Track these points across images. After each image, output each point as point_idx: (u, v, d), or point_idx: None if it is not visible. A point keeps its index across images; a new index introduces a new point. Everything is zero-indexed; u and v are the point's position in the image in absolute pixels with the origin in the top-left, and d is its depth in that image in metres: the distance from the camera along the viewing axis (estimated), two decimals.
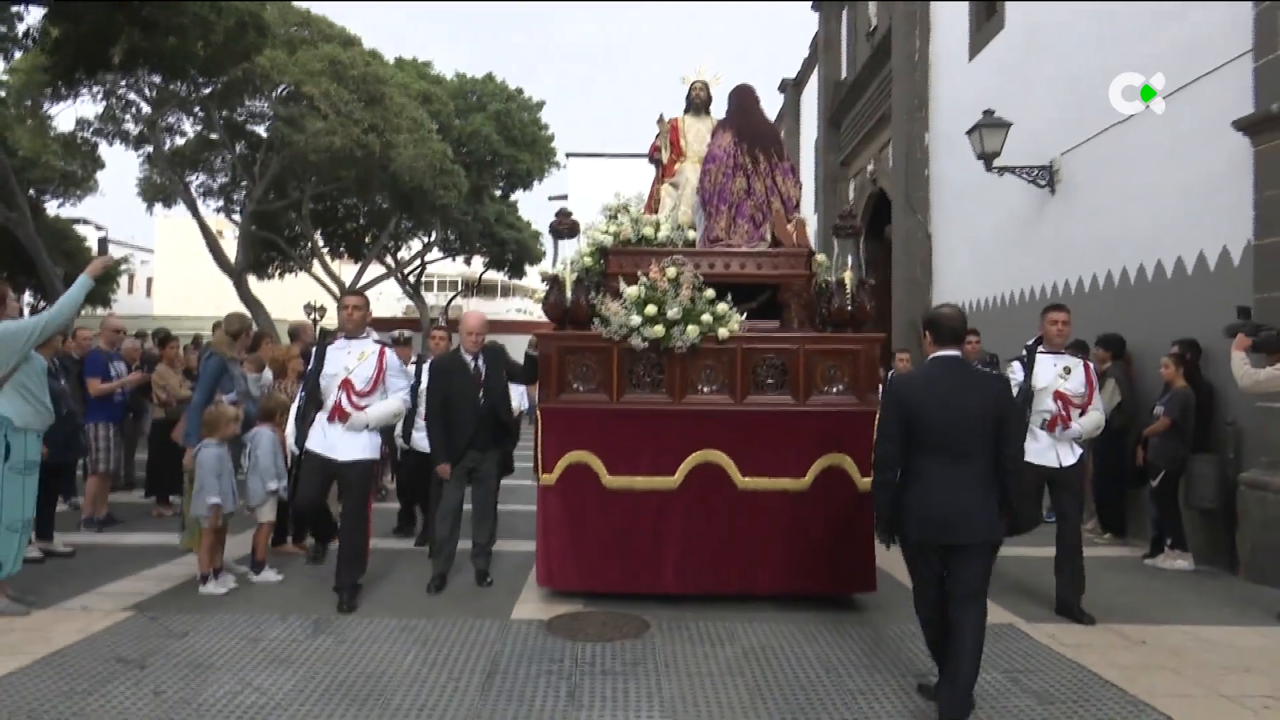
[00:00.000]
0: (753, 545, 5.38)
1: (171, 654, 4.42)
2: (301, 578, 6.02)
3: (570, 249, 5.95)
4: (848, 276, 5.68)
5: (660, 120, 6.92)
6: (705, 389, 5.49)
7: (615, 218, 6.16)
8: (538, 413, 5.54)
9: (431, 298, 45.53)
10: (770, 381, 5.50)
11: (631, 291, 5.43)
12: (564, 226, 5.82)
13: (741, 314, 5.61)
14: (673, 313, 5.30)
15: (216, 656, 4.40)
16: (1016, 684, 4.21)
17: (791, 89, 25.98)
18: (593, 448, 5.39)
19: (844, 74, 20.10)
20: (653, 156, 6.98)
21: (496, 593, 5.75)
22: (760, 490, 5.37)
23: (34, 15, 14.30)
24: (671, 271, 5.44)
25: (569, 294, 5.59)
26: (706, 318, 5.34)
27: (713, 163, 6.23)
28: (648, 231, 6.05)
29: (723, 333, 5.37)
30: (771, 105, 27.36)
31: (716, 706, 3.92)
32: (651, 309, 5.32)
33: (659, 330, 5.29)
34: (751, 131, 6.29)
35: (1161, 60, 7.73)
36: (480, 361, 5.87)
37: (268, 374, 7.46)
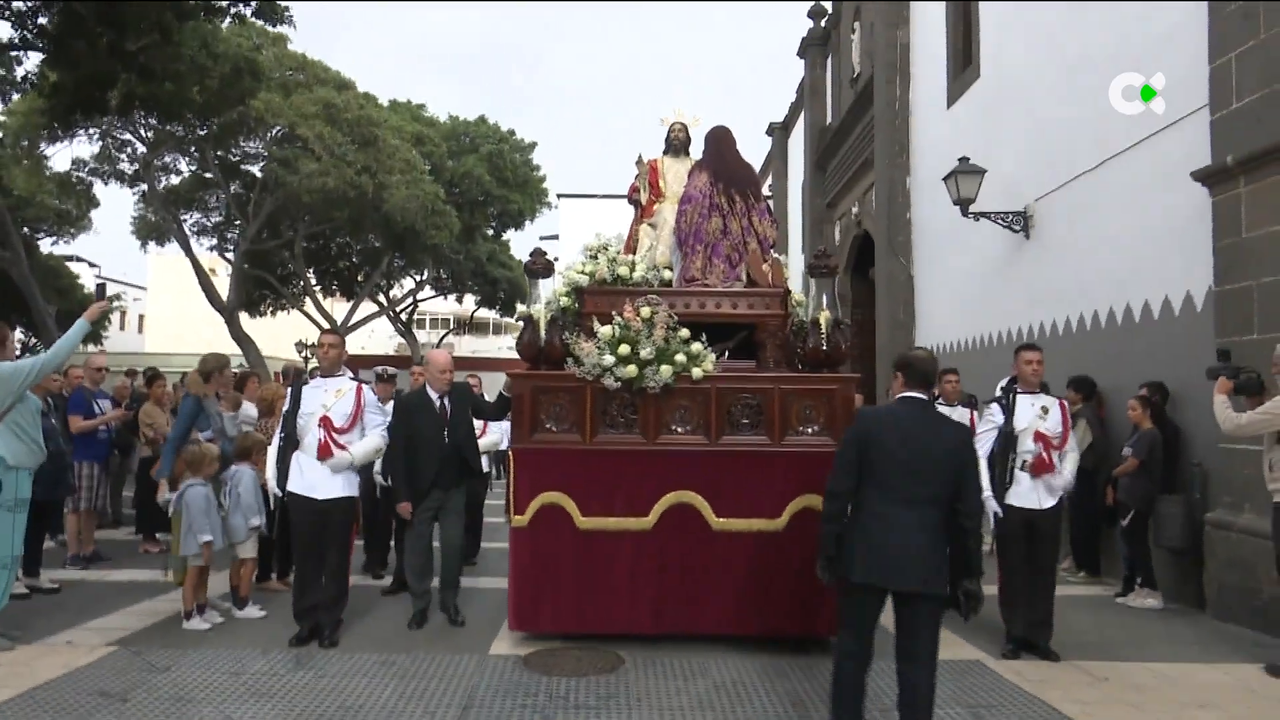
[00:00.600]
0: (728, 586, 5.34)
1: (153, 688, 4.51)
2: (285, 613, 6.08)
3: (548, 288, 6.02)
4: (823, 316, 5.67)
5: (639, 161, 6.94)
6: (679, 429, 5.48)
7: (595, 258, 6.24)
8: (510, 453, 5.53)
9: (424, 335, 45.73)
10: (745, 422, 5.48)
11: (605, 331, 5.44)
12: (539, 266, 5.85)
13: (719, 354, 5.65)
14: (645, 352, 5.30)
15: (198, 690, 4.49)
16: (979, 719, 4.32)
17: (779, 133, 26.50)
18: (566, 488, 5.37)
19: (829, 119, 20.54)
20: (631, 197, 7.01)
21: (475, 629, 5.82)
22: (735, 531, 5.35)
23: (32, 59, 14.66)
24: (645, 311, 5.46)
25: (543, 334, 5.61)
26: (680, 357, 5.35)
27: (689, 203, 6.28)
28: (623, 271, 6.09)
29: (697, 372, 5.37)
30: (760, 148, 27.92)
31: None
32: (625, 349, 5.32)
33: (632, 370, 5.29)
34: (728, 173, 6.35)
35: (1122, 112, 8.03)
36: (446, 400, 5.94)
37: (248, 409, 7.55)
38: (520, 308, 5.80)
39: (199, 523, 5.65)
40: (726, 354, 6.04)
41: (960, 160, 10.47)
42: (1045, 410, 5.62)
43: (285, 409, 5.77)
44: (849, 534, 3.68)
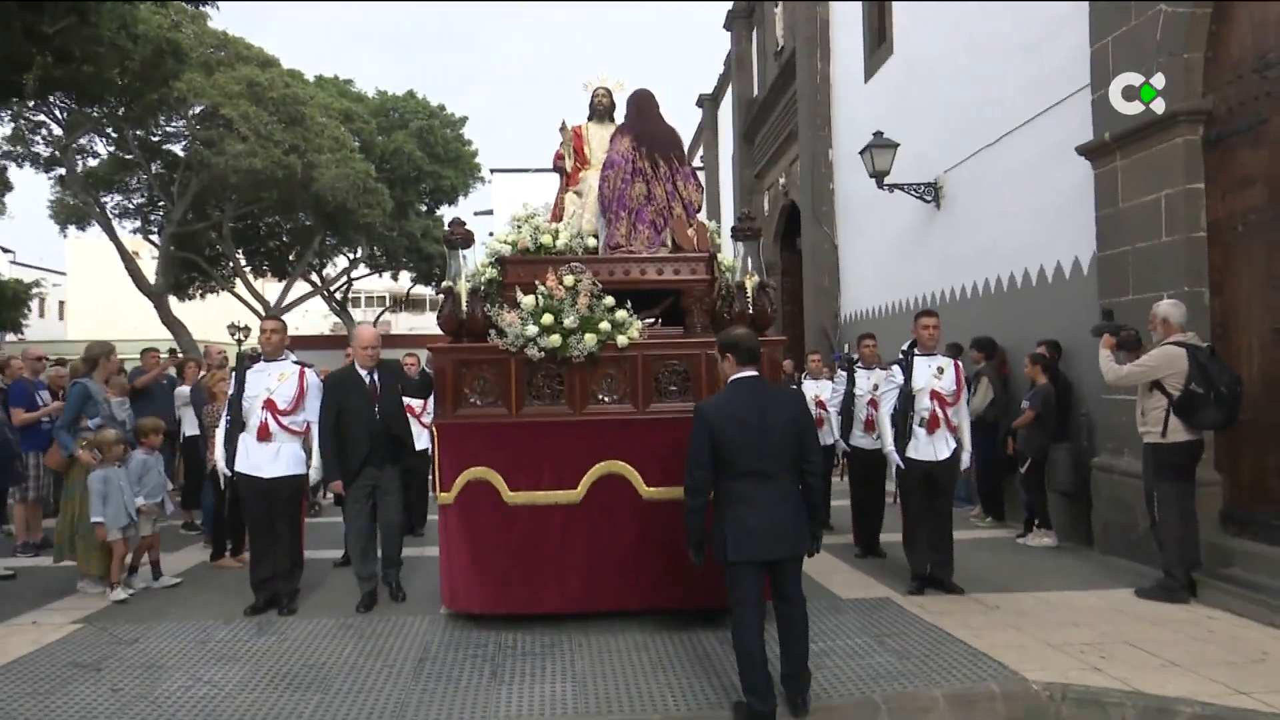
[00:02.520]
0: (661, 558, 5.20)
1: (124, 658, 4.81)
2: (244, 588, 6.38)
3: (471, 260, 5.84)
4: (749, 280, 5.61)
5: (563, 128, 6.75)
6: (606, 398, 5.40)
7: (519, 228, 6.16)
8: (433, 429, 5.48)
9: (359, 314, 45.27)
10: (673, 388, 5.41)
11: (528, 301, 5.34)
12: (458, 236, 5.61)
13: (648, 321, 5.69)
14: (569, 321, 5.21)
15: (168, 658, 4.81)
16: (882, 645, 4.88)
17: (709, 104, 26.85)
18: (492, 463, 5.25)
19: (755, 91, 20.99)
20: (557, 165, 6.83)
21: (429, 593, 6.09)
22: (666, 500, 5.13)
23: None
24: (569, 280, 5.36)
25: (465, 306, 5.43)
26: (605, 325, 5.25)
27: (611, 169, 6.09)
28: (546, 240, 6.00)
29: (622, 340, 5.28)
30: (691, 120, 28.24)
31: (623, 674, 4.48)
32: (548, 318, 5.22)
33: (555, 340, 5.19)
34: (650, 136, 6.17)
35: (1022, 90, 8.65)
36: (375, 376, 5.92)
37: (182, 391, 7.69)
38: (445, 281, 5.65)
39: (94, 506, 6.00)
40: (659, 321, 6.21)
41: (875, 135, 11.01)
42: (940, 370, 6.17)
43: (231, 393, 6.03)
44: (718, 519, 3.93)
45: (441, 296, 5.69)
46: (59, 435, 6.63)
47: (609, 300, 5.39)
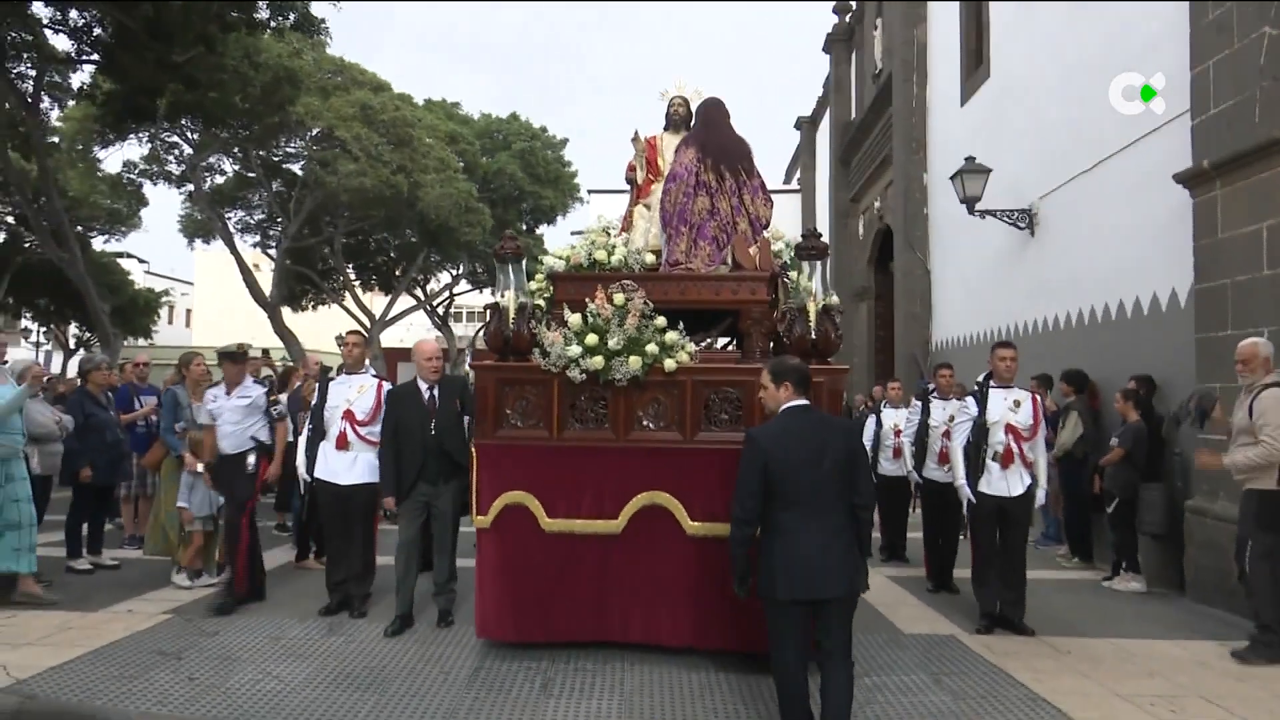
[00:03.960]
0: (704, 597, 4.90)
1: (204, 649, 5.12)
2: (321, 589, 6.67)
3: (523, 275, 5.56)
4: (811, 303, 5.16)
5: (635, 138, 6.51)
6: (651, 425, 5.07)
7: (576, 245, 5.96)
8: (473, 449, 5.23)
9: (460, 328, 46.55)
10: (725, 416, 5.03)
11: (575, 319, 5.09)
12: (508, 250, 5.34)
13: (703, 343, 5.42)
14: (613, 343, 4.93)
15: (242, 651, 5.10)
16: (938, 684, 4.77)
17: (807, 127, 26.75)
18: (531, 487, 5.02)
19: (853, 114, 20.80)
20: (628, 176, 6.59)
21: None
22: (711, 537, 4.82)
23: (87, 69, 15.49)
24: (618, 298, 5.08)
25: (511, 322, 5.18)
26: (652, 348, 4.94)
27: (673, 181, 5.83)
28: (600, 255, 5.76)
29: (669, 364, 4.95)
30: (789, 143, 28.15)
31: (669, 696, 4.51)
32: (593, 339, 4.95)
33: (598, 361, 4.91)
34: (717, 147, 5.86)
35: (1118, 113, 8.33)
36: (435, 391, 5.80)
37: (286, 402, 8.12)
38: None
39: (180, 494, 6.59)
40: (715, 343, 5.92)
41: (966, 160, 10.79)
42: (1017, 404, 5.99)
43: (314, 403, 6.35)
44: (766, 554, 3.68)
45: (488, 312, 5.49)
46: (166, 438, 7.12)
47: (660, 321, 5.10)
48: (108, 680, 4.55)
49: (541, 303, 5.67)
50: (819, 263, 5.34)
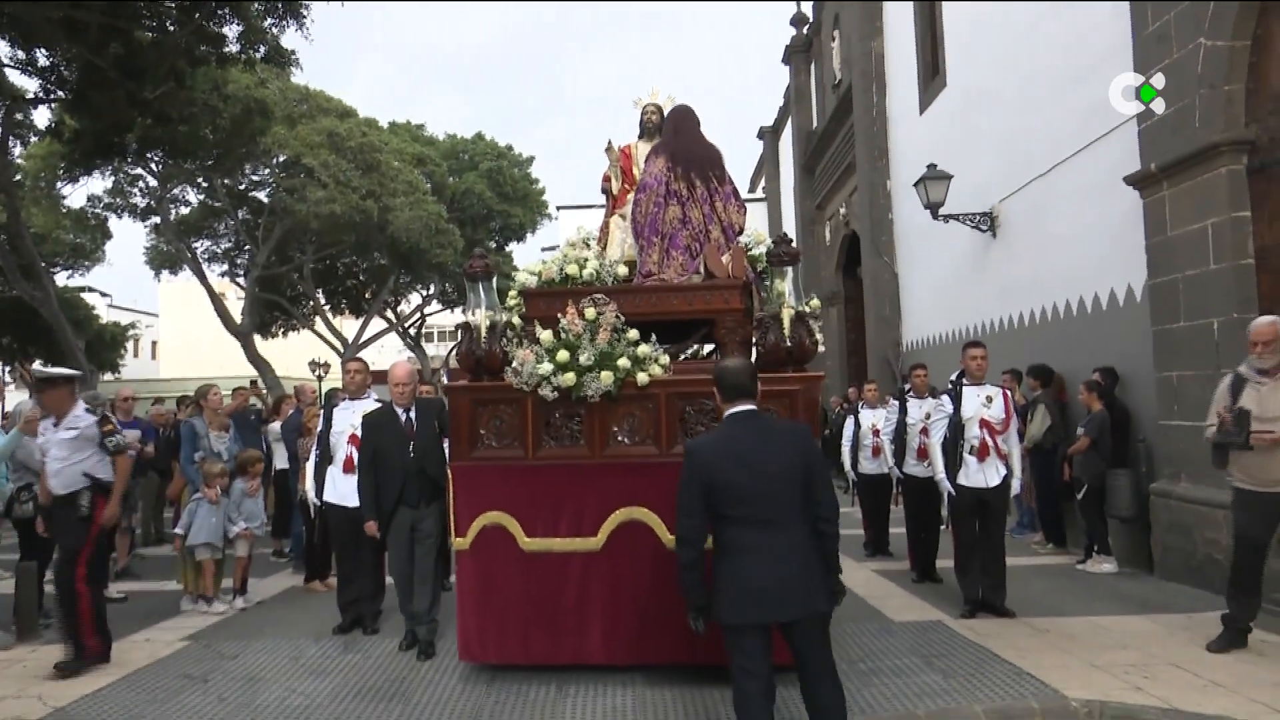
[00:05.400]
0: (682, 612, 4.65)
1: (228, 671, 5.31)
2: (331, 610, 6.85)
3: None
4: (785, 310, 5.04)
5: (609, 148, 6.37)
6: (627, 440, 4.99)
7: (547, 260, 5.87)
8: (448, 471, 5.20)
9: (432, 348, 46.50)
10: (701, 428, 4.88)
11: (545, 336, 5.01)
12: (477, 269, 5.24)
13: (688, 351, 5.36)
14: (584, 358, 4.84)
15: (266, 672, 5.29)
16: (929, 665, 5.08)
17: (770, 136, 27.27)
18: (508, 508, 4.95)
19: (815, 123, 21.31)
20: (604, 187, 6.49)
21: None
22: None
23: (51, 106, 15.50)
24: (590, 312, 5.00)
25: (483, 341, 5.09)
26: (624, 362, 4.85)
27: (644, 192, 5.74)
28: (572, 270, 5.64)
29: (642, 377, 4.86)
30: (752, 152, 28.66)
31: (679, 689, 4.77)
32: (564, 355, 4.86)
33: (570, 378, 4.82)
34: (686, 155, 5.75)
35: (1073, 121, 8.79)
36: (411, 414, 5.72)
37: (274, 427, 8.28)
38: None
39: (182, 522, 6.83)
40: (701, 349, 5.98)
41: (928, 167, 11.23)
42: (989, 399, 6.34)
43: (319, 429, 6.56)
44: (715, 575, 3.38)
45: (459, 332, 5.42)
46: (186, 470, 7.27)
47: (633, 334, 5.00)
48: (142, 704, 4.73)
49: (516, 320, 5.59)
50: (791, 268, 5.22)
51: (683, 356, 5.55)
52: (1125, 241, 7.97)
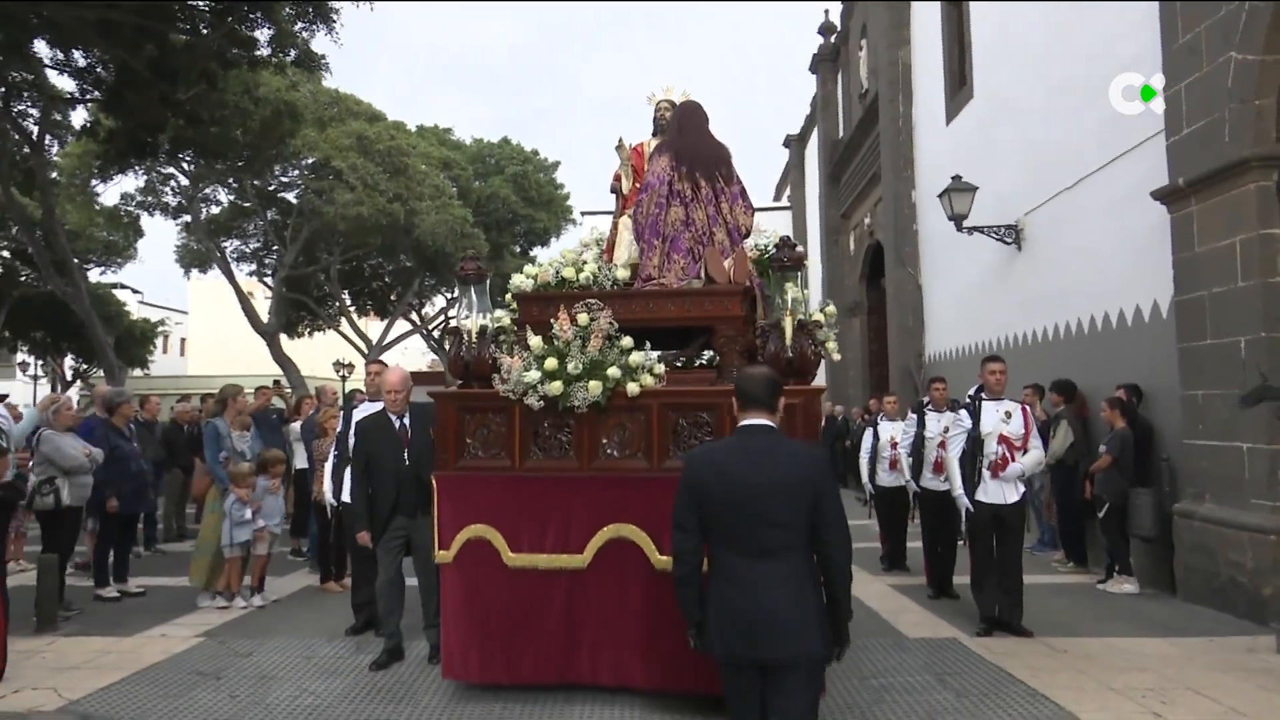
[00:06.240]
0: (676, 635, 4.12)
1: (241, 669, 5.36)
2: (345, 610, 6.89)
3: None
4: (787, 319, 4.71)
5: (620, 146, 6.12)
6: (616, 453, 4.75)
7: (544, 263, 5.71)
8: (434, 481, 4.96)
9: None
10: (695, 442, 4.59)
11: (535, 342, 4.81)
12: (469, 271, 5.06)
13: (678, 363, 5.13)
14: (573, 366, 4.62)
15: (278, 670, 5.34)
16: (942, 683, 5.03)
17: (796, 145, 27.23)
18: (493, 521, 4.74)
19: (841, 132, 21.23)
20: (613, 187, 6.25)
21: None
22: None
23: (87, 107, 15.82)
24: (583, 318, 4.79)
25: (473, 347, 4.93)
26: (614, 371, 4.60)
27: (646, 192, 5.51)
28: (568, 273, 5.45)
29: (632, 388, 4.60)
30: (778, 160, 28.61)
31: (690, 701, 4.74)
32: (552, 363, 4.65)
33: (557, 387, 4.61)
34: (691, 153, 5.47)
35: (1099, 134, 8.70)
36: (406, 420, 5.56)
37: (293, 426, 8.36)
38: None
39: (233, 528, 6.87)
40: (695, 361, 5.43)
41: (953, 178, 11.14)
42: (1008, 415, 6.27)
43: (339, 430, 6.61)
44: (706, 600, 3.13)
45: (450, 337, 5.41)
46: (214, 470, 7.38)
47: (626, 341, 4.76)
48: (154, 699, 4.78)
49: (509, 324, 5.41)
50: (797, 274, 4.87)
51: (701, 362, 5.31)
52: (1151, 257, 7.86)
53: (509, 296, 5.56)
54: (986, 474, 6.21)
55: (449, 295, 34.37)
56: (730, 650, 3.01)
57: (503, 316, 5.43)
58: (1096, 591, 7.60)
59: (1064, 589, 7.68)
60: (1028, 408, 6.62)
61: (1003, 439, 6.24)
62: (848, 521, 3.10)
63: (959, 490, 6.32)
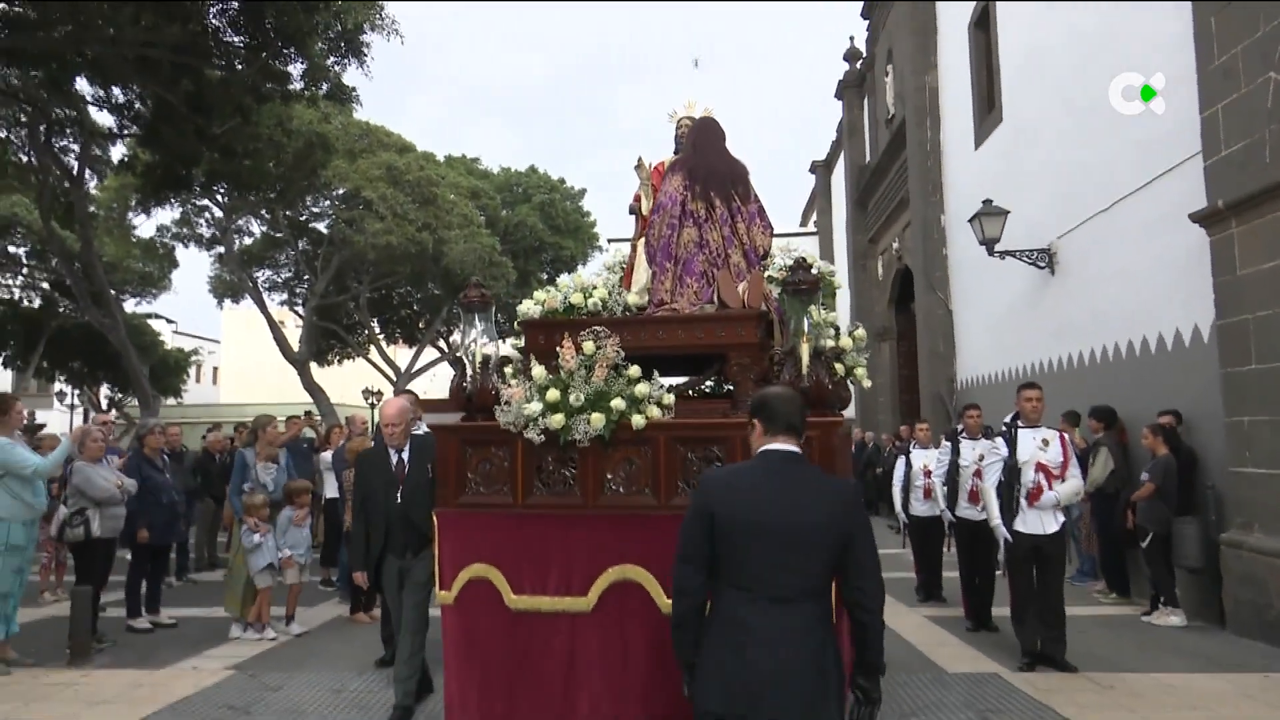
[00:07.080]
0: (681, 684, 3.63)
1: (270, 703, 5.32)
2: (375, 642, 6.84)
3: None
4: (803, 346, 4.39)
5: (639, 165, 5.81)
6: (622, 489, 4.45)
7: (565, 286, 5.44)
8: (434, 518, 4.70)
9: None
10: None
11: (538, 372, 4.50)
12: (473, 299, 4.83)
13: (689, 392, 4.96)
14: (574, 398, 4.33)
15: (307, 704, 5.29)
16: None
17: (822, 170, 27.22)
18: (495, 560, 4.48)
19: (868, 158, 21.20)
20: (633, 207, 5.90)
21: None
22: None
23: (124, 142, 16.20)
24: (589, 346, 4.48)
25: (475, 377, 4.68)
26: (618, 402, 4.31)
27: (658, 212, 5.24)
28: (577, 299, 5.18)
29: (637, 420, 4.30)
30: (804, 186, 28.60)
31: None
32: (554, 394, 4.36)
33: (558, 420, 4.32)
34: (706, 172, 5.19)
35: (1133, 156, 8.59)
36: (404, 455, 5.24)
37: (325, 456, 8.40)
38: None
39: (256, 557, 6.88)
40: (707, 390, 5.36)
41: (984, 202, 11.04)
42: (1046, 443, 6.14)
43: None
44: (702, 643, 2.75)
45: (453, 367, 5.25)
46: (232, 499, 7.41)
47: (634, 371, 4.47)
48: None
49: (514, 353, 5.20)
50: (815, 298, 4.53)
51: (718, 392, 5.13)
52: (1189, 280, 7.72)
53: (516, 324, 5.32)
54: (1024, 503, 6.07)
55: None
56: (727, 708, 2.60)
57: (515, 344, 5.22)
58: (1141, 623, 7.38)
59: (1107, 620, 7.48)
60: (1066, 435, 6.47)
61: (1040, 467, 6.10)
62: (881, 565, 2.78)
63: (996, 520, 6.18)
